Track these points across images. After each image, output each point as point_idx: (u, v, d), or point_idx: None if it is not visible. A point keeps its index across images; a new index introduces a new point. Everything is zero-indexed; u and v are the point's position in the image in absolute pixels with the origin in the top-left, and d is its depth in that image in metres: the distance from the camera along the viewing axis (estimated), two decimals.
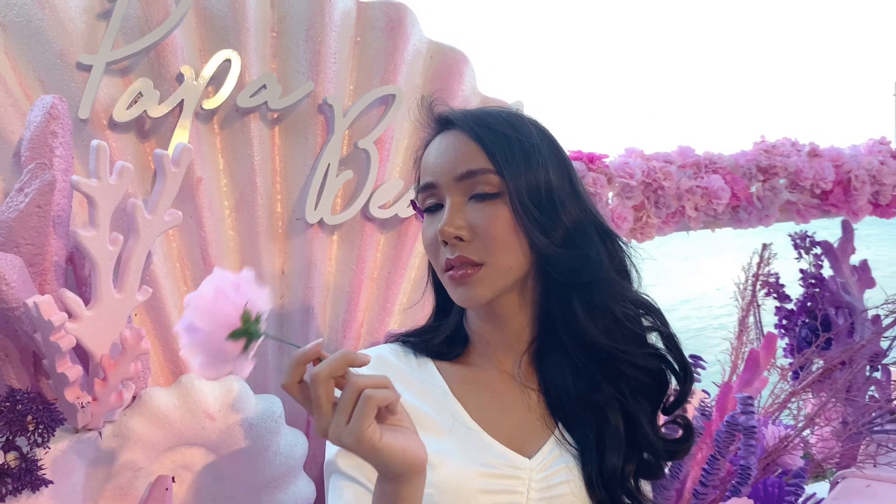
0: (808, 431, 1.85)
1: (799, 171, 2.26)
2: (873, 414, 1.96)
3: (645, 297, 0.95)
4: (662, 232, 2.13)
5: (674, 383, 0.96)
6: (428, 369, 0.96)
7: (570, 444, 0.90)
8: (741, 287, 2.03)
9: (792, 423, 1.86)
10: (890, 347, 2.07)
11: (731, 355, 1.91)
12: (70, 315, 1.07)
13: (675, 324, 0.98)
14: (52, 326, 1.02)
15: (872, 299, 2.21)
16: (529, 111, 1.74)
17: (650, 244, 2.06)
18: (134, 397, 1.23)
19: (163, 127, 1.34)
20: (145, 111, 1.30)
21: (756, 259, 2.05)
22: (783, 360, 2.15)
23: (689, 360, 0.97)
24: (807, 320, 2.13)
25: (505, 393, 0.93)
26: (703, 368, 1.58)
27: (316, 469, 1.43)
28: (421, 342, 0.98)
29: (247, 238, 1.41)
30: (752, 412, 1.54)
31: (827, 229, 2.44)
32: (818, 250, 2.22)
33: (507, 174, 0.86)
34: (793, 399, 1.88)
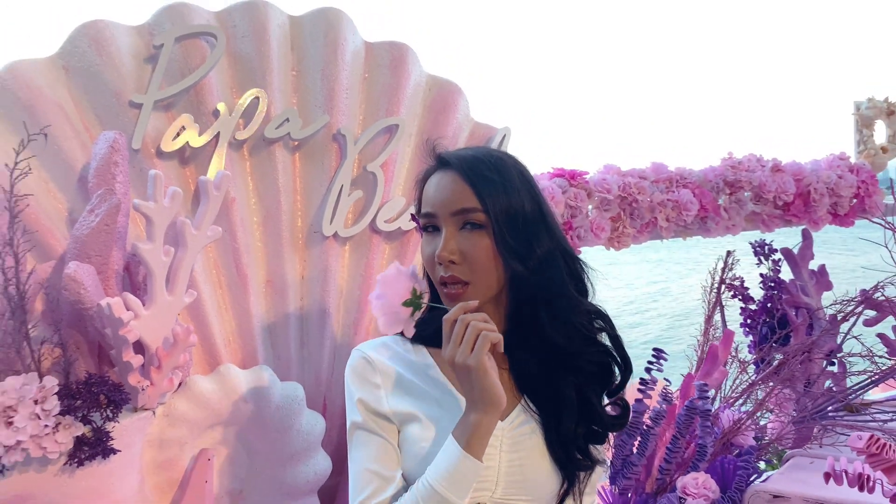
0: (764, 415, 2.09)
1: (762, 184, 2.50)
2: (827, 403, 2.19)
3: (598, 307, 1.18)
4: (637, 240, 2.36)
5: (617, 372, 1.18)
6: (422, 353, 1.19)
7: (534, 412, 1.13)
8: (707, 289, 2.26)
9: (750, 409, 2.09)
10: (842, 343, 2.30)
11: (696, 350, 2.14)
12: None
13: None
14: (121, 322, 1.25)
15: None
16: (515, 130, 1.99)
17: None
18: (180, 384, 1.46)
19: (201, 155, 1.57)
20: (187, 142, 1.53)
21: (721, 264, 2.27)
22: (749, 356, 2.38)
23: (629, 355, 1.20)
24: (767, 319, 2.36)
25: None
26: (665, 360, 1.81)
27: (331, 446, 1.66)
28: (416, 333, 1.21)
29: (272, 248, 1.65)
30: (708, 397, 1.78)
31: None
32: (777, 256, 2.45)
33: (491, 212, 1.08)
34: (753, 389, 2.11)
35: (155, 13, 1.59)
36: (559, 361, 1.13)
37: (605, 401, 1.20)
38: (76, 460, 1.26)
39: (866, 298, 2.26)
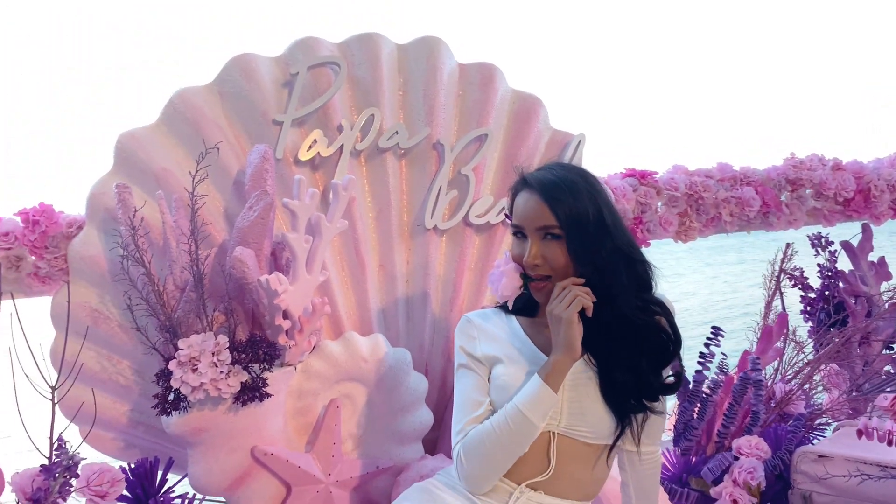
0: (818, 392, 2.30)
1: (823, 182, 2.69)
2: (884, 384, 2.38)
3: (656, 297, 1.44)
4: (703, 234, 2.60)
5: (671, 347, 1.44)
6: (511, 320, 1.51)
7: (593, 364, 1.41)
8: (768, 278, 2.48)
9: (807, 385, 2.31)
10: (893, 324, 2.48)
11: (756, 332, 2.37)
12: None
13: None
14: (276, 294, 1.61)
15: None
16: (589, 134, 2.24)
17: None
18: (315, 346, 1.81)
19: (327, 163, 1.93)
20: (318, 153, 1.89)
21: (780, 255, 2.49)
22: (808, 339, 2.57)
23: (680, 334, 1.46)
24: (825, 306, 2.56)
25: None
26: (723, 336, 2.06)
27: (431, 403, 1.98)
28: (507, 307, 1.52)
29: (384, 239, 1.99)
30: (760, 369, 2.02)
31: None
32: (833, 247, 2.63)
33: (565, 228, 1.37)
34: (808, 367, 2.32)
35: (289, 46, 1.95)
36: (617, 339, 1.41)
37: (666, 370, 1.46)
38: (240, 401, 1.62)
39: None
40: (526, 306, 1.52)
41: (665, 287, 1.53)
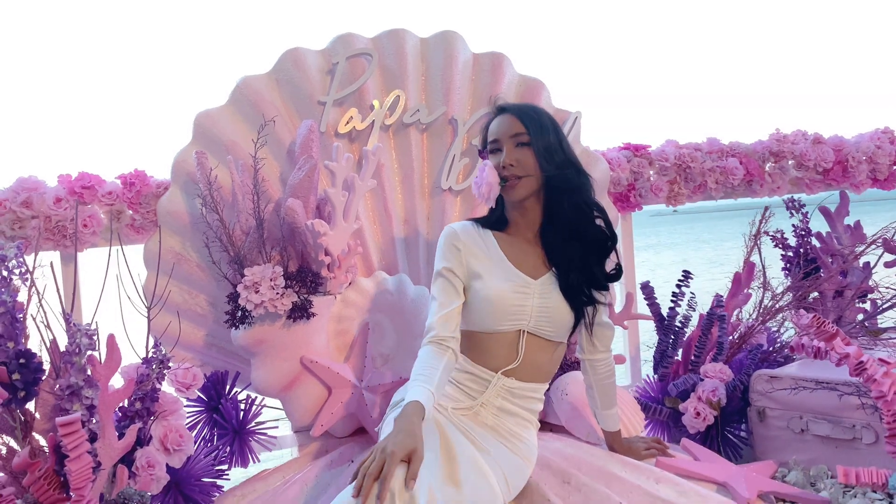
0: (784, 330, 2.65)
1: (803, 154, 3.02)
2: (851, 328, 2.71)
3: (597, 201, 1.83)
4: (691, 200, 2.96)
5: (608, 244, 1.83)
6: (487, 234, 1.86)
7: (554, 272, 1.80)
8: (747, 237, 2.82)
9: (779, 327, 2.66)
10: (866, 279, 2.80)
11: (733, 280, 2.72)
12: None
13: None
14: (319, 234, 2.05)
15: None
16: (585, 112, 2.61)
17: None
18: (351, 282, 2.26)
19: (362, 135, 2.37)
20: (354, 127, 2.33)
21: (759, 217, 2.83)
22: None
23: (615, 232, 1.85)
24: (800, 261, 2.88)
25: (526, 247, 1.83)
26: (692, 278, 2.43)
27: None
28: (484, 221, 1.90)
29: (408, 197, 2.42)
30: (723, 306, 2.38)
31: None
32: (805, 209, 2.95)
33: (533, 137, 1.76)
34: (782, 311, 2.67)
35: (331, 41, 2.40)
36: (571, 235, 1.79)
37: (608, 265, 1.85)
38: (292, 318, 2.07)
39: (885, 241, 2.74)
40: (498, 221, 1.88)
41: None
